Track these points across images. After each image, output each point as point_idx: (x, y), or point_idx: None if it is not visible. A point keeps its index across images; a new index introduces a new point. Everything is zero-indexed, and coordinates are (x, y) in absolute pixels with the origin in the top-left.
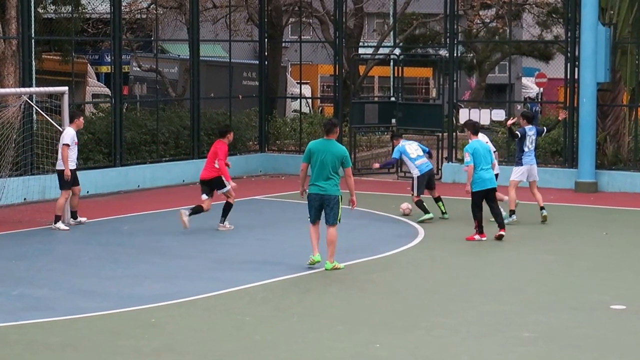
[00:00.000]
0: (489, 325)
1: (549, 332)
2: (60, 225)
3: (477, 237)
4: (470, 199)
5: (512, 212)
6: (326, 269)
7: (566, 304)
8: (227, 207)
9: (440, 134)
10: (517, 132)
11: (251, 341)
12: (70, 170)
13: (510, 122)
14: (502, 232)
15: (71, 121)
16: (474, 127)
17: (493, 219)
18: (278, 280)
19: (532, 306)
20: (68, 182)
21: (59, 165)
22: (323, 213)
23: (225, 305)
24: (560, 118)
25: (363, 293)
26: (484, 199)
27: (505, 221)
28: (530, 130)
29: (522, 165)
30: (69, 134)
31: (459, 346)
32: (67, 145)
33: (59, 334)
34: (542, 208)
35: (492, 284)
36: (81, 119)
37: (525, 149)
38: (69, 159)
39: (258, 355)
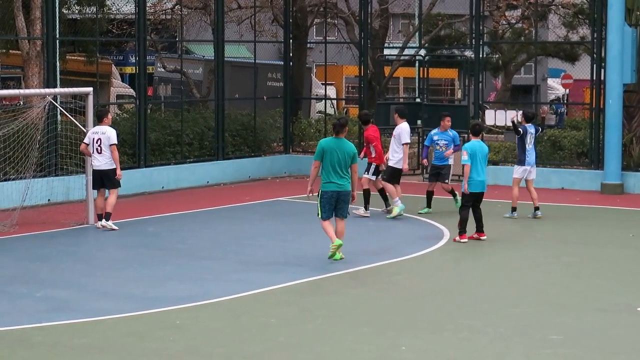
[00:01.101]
0: (515, 327)
1: (576, 335)
2: (111, 224)
3: (457, 238)
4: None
5: (513, 209)
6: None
7: (592, 305)
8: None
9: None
10: (519, 128)
11: (276, 343)
12: (98, 170)
13: (513, 116)
14: (481, 237)
15: (101, 120)
16: (474, 128)
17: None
18: (302, 282)
19: (558, 308)
20: (119, 181)
21: (105, 166)
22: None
23: (250, 307)
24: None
25: (388, 295)
26: (473, 201)
27: (507, 215)
28: (531, 128)
29: (524, 164)
30: (114, 134)
31: (485, 348)
32: (116, 145)
33: (84, 335)
34: (536, 209)
35: (517, 286)
36: (109, 115)
37: (527, 147)
38: (96, 158)
39: (283, 357)
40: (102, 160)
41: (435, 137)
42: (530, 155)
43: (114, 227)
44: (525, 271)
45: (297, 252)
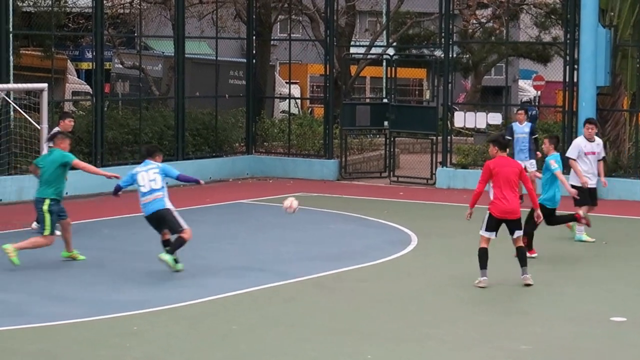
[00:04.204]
0: (482, 336)
1: (545, 345)
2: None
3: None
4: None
5: None
6: None
7: (565, 315)
8: None
9: (434, 138)
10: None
11: (237, 350)
12: None
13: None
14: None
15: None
16: (557, 140)
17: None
18: (264, 288)
19: (528, 317)
20: None
21: None
22: None
23: (210, 313)
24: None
25: (353, 302)
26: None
27: None
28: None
29: None
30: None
31: (449, 358)
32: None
33: (35, 341)
34: None
35: (486, 293)
36: (67, 121)
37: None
38: None
39: None
40: None
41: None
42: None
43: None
44: (495, 278)
45: (259, 256)
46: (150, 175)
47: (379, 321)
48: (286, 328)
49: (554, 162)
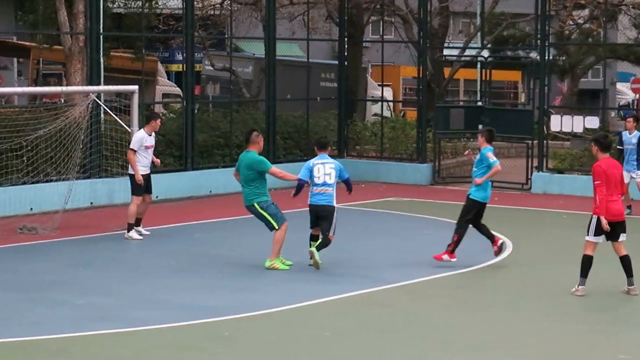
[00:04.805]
0: (580, 345)
1: None
2: (133, 234)
3: (445, 256)
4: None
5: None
6: None
7: None
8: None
9: (529, 142)
10: None
11: (330, 357)
12: (142, 175)
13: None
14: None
15: (147, 123)
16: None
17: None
18: (358, 294)
19: (627, 326)
20: (140, 188)
21: (130, 170)
22: None
23: (303, 318)
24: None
25: (447, 309)
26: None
27: None
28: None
29: None
30: (136, 138)
31: None
32: (133, 150)
33: (126, 346)
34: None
35: (583, 302)
36: (158, 121)
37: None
38: (139, 163)
39: None
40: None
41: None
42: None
43: (138, 237)
44: (596, 285)
45: (352, 262)
46: (326, 169)
47: (473, 329)
48: (380, 334)
49: (491, 154)
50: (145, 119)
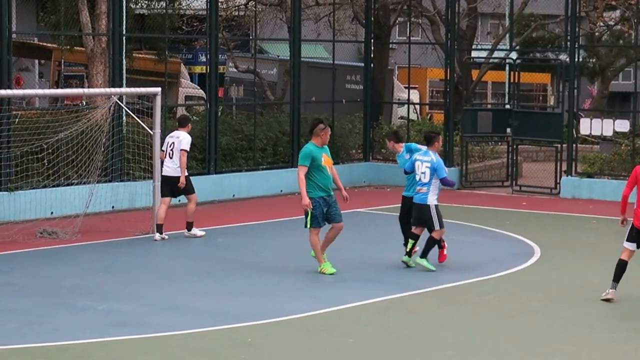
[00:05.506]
0: (611, 353)
1: None
2: (196, 231)
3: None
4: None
5: None
6: None
7: None
8: None
9: (559, 146)
10: None
11: None
12: (166, 176)
13: None
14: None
15: (183, 125)
16: (396, 136)
17: None
18: (382, 300)
19: None
20: (191, 187)
21: (174, 172)
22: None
23: (326, 325)
24: None
25: (475, 315)
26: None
27: None
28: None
29: None
30: (188, 140)
31: None
32: (186, 151)
33: (148, 352)
34: None
35: (614, 308)
36: (189, 125)
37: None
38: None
39: None
40: (171, 166)
41: None
42: None
43: (201, 233)
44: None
45: (377, 267)
46: (422, 168)
47: (501, 335)
48: (405, 341)
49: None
50: (184, 122)
